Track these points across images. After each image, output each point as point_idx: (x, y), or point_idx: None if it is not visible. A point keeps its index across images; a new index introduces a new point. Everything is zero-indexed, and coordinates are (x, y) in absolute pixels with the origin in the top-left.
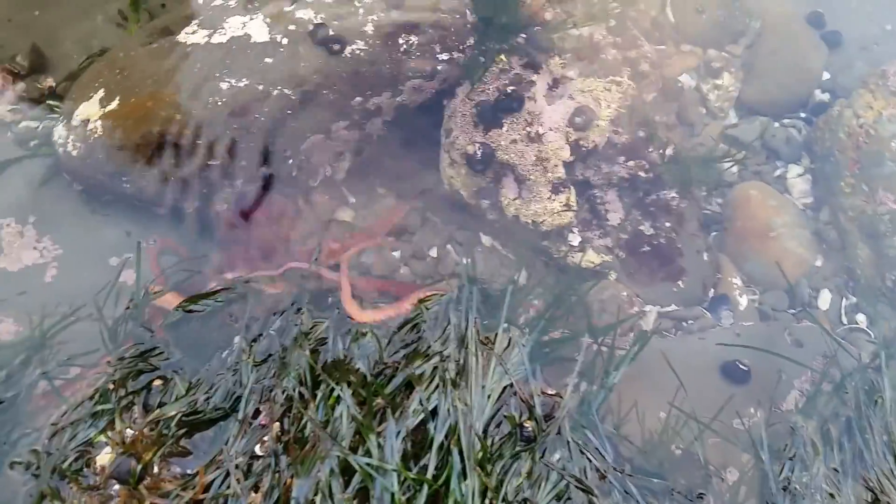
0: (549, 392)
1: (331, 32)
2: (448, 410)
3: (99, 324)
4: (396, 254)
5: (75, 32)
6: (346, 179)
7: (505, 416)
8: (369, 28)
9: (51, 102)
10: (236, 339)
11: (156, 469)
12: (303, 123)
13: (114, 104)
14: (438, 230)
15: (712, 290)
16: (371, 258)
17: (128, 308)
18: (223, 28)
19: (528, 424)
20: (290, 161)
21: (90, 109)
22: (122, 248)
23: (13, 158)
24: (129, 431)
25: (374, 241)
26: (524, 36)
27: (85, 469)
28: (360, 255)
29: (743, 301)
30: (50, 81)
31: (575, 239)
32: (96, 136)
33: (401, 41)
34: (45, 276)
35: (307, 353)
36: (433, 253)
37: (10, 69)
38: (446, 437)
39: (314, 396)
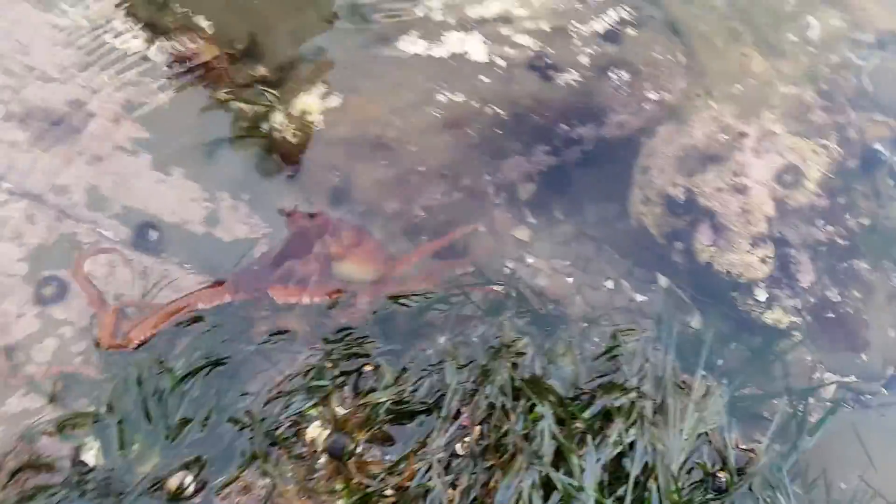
0: (744, 446)
1: (547, 61)
2: (645, 447)
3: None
4: (570, 280)
5: (287, 25)
6: (530, 200)
7: (697, 463)
8: (584, 60)
9: (262, 88)
10: (441, 338)
11: (359, 449)
12: (508, 143)
13: (335, 101)
14: (615, 263)
15: (893, 368)
16: (545, 280)
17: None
18: (442, 42)
19: (722, 475)
20: (487, 176)
21: (310, 102)
22: None
23: (229, 137)
24: (339, 410)
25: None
26: (740, 87)
27: (295, 438)
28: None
29: None
30: (262, 69)
31: (762, 294)
32: (315, 128)
33: (612, 76)
34: (254, 251)
35: (508, 364)
36: (609, 284)
37: (229, 52)
38: (642, 472)
39: (514, 408)
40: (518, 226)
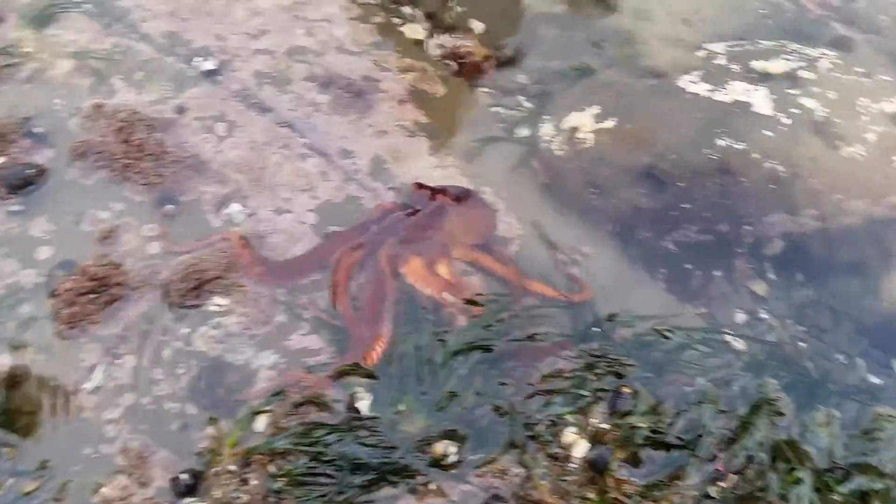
0: None
1: (833, 129)
2: None
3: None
4: (804, 345)
5: (555, 43)
6: (775, 256)
7: None
8: (870, 136)
9: (520, 98)
10: (700, 379)
11: (614, 466)
12: (778, 199)
13: (608, 123)
14: (853, 339)
15: None
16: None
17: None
18: (726, 89)
19: None
20: (748, 227)
21: (582, 120)
22: (572, 249)
23: (494, 136)
24: (594, 422)
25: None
26: None
27: (551, 438)
28: None
29: None
30: (524, 78)
31: None
32: (585, 145)
33: None
34: (509, 249)
35: (769, 421)
36: (842, 358)
37: (497, 56)
38: None
39: (773, 466)
40: (756, 279)
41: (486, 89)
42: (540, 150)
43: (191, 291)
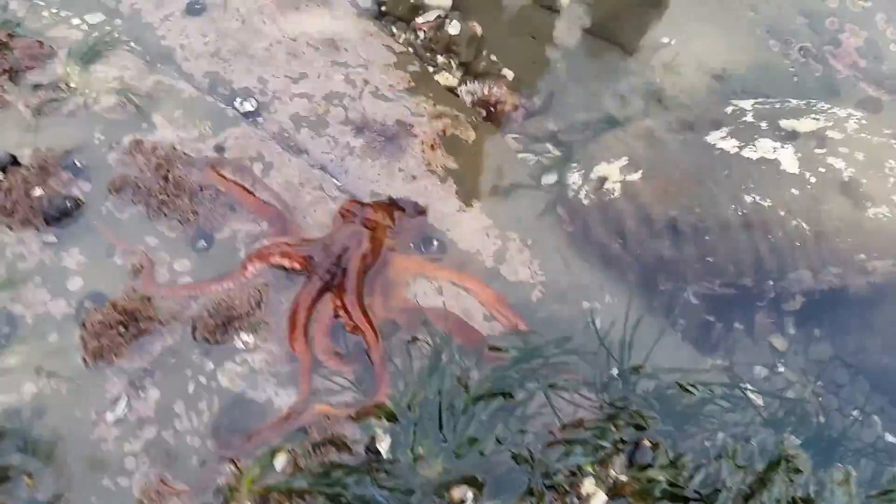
0: None
1: (860, 190)
2: None
3: (579, 359)
4: (819, 399)
5: (582, 93)
6: (794, 311)
7: None
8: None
9: (548, 145)
10: (720, 434)
11: None
12: (802, 257)
13: (636, 175)
14: (869, 396)
15: None
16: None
17: (619, 374)
18: (754, 146)
19: None
20: (769, 282)
21: (610, 171)
22: (593, 296)
23: (523, 183)
24: (612, 473)
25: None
26: None
27: (569, 488)
28: None
29: None
30: (551, 125)
31: None
32: (612, 196)
33: None
34: (532, 295)
35: (786, 478)
36: (856, 414)
37: (525, 104)
38: None
39: None
40: (776, 334)
41: (514, 135)
42: (566, 198)
43: (218, 328)
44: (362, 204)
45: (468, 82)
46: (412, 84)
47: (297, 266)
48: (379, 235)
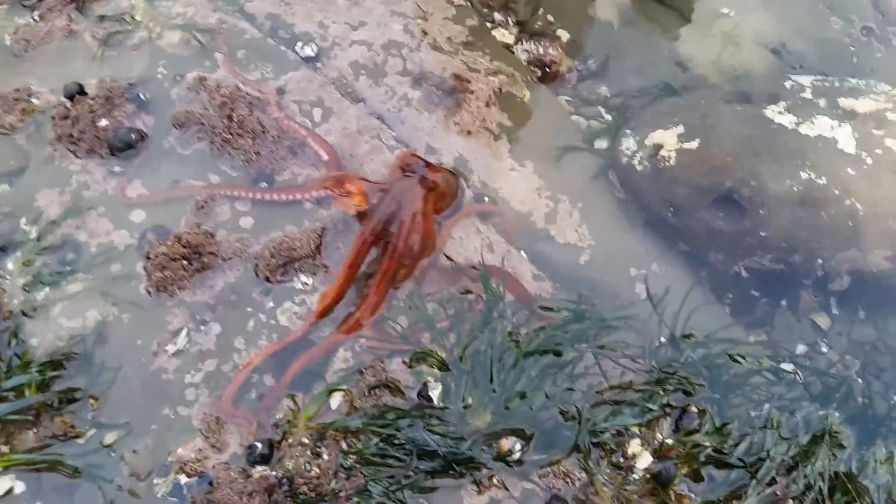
0: None
1: None
2: None
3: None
4: (860, 381)
5: (638, 58)
6: (839, 292)
7: None
8: None
9: (601, 109)
10: (766, 405)
11: (677, 481)
12: (854, 237)
13: (692, 144)
14: None
15: None
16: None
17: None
18: (812, 123)
19: None
20: (820, 260)
21: (666, 138)
22: (641, 263)
23: (575, 146)
24: (659, 436)
25: None
26: None
27: (615, 448)
28: None
29: None
30: (605, 90)
31: None
32: (667, 164)
33: None
34: (580, 259)
35: (830, 453)
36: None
37: (580, 67)
38: None
39: (830, 497)
40: (819, 312)
41: (567, 97)
42: (619, 164)
43: (279, 268)
44: (425, 162)
45: (524, 41)
46: (470, 38)
47: (362, 205)
48: (433, 197)
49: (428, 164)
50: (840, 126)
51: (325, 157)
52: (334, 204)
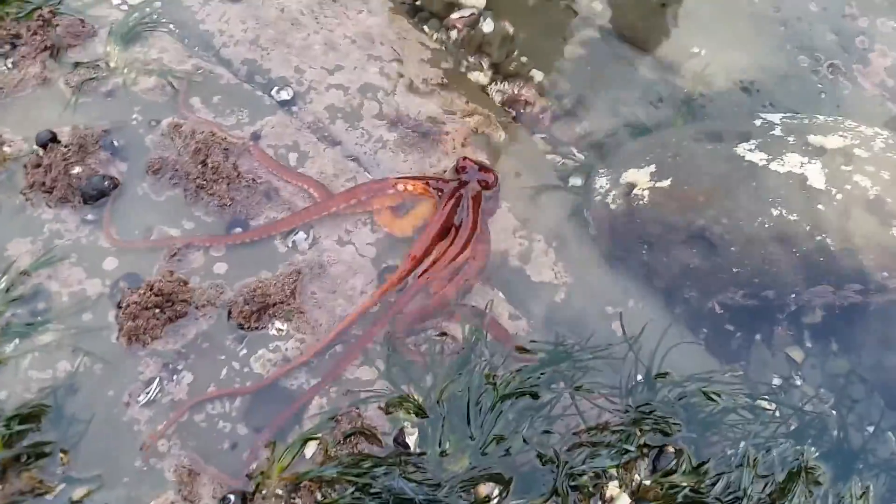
0: None
1: (887, 208)
2: None
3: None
4: (833, 412)
5: (611, 98)
6: (812, 325)
7: None
8: None
9: (574, 149)
10: (742, 443)
11: None
12: (825, 272)
13: (665, 183)
14: (884, 412)
15: None
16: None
17: (645, 380)
18: (782, 160)
19: None
20: (793, 295)
21: (639, 177)
22: (617, 301)
23: (550, 185)
24: (637, 478)
25: None
26: None
27: (593, 490)
28: None
29: None
30: (578, 129)
31: None
32: (641, 202)
33: None
34: (556, 297)
35: (807, 490)
36: (870, 429)
37: (553, 107)
38: None
39: None
40: (793, 346)
41: (542, 135)
42: (594, 203)
43: (253, 314)
44: (480, 166)
45: (498, 82)
46: (445, 80)
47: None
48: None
49: (483, 167)
50: (810, 163)
51: (315, 193)
52: (377, 217)
